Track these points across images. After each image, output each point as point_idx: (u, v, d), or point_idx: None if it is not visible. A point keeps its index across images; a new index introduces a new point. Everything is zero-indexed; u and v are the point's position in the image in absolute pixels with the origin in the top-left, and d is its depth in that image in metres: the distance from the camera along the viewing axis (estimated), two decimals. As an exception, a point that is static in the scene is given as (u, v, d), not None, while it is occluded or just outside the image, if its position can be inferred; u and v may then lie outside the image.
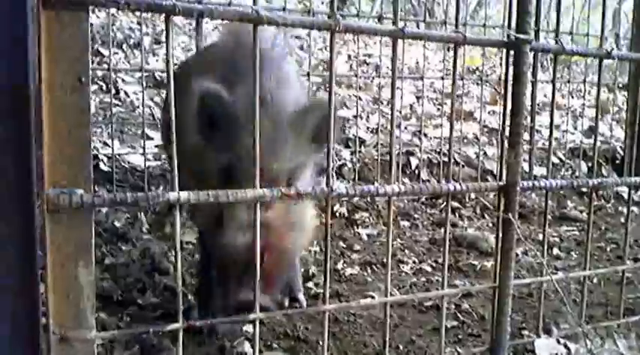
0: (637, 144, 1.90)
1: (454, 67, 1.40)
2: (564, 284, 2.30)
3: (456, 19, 1.41)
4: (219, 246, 1.61)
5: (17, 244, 0.99)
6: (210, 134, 1.66)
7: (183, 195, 1.11)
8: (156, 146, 3.55)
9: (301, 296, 2.23)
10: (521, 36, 1.40)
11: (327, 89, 1.21)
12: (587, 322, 1.81)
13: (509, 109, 1.46)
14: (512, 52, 1.46)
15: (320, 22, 1.21)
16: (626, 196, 3.83)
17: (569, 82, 4.34)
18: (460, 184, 1.42)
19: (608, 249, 3.06)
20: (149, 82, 4.29)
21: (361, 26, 1.24)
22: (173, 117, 1.09)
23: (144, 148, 3.24)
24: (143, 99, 3.36)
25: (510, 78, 1.46)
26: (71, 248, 1.00)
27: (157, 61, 4.91)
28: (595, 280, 2.51)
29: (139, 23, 5.02)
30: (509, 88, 1.45)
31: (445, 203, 3.44)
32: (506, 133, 1.45)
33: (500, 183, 1.48)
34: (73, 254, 1.01)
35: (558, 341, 1.77)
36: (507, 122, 1.46)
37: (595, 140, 1.76)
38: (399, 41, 1.30)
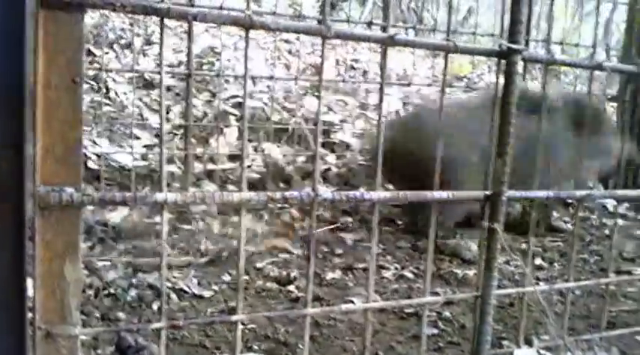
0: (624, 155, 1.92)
1: (444, 74, 1.41)
2: (546, 295, 2.31)
3: (448, 27, 1.41)
4: None
5: (7, 240, 0.99)
6: None
7: (170, 195, 1.11)
8: (144, 146, 3.58)
9: None
10: (513, 45, 1.39)
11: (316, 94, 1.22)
12: (569, 334, 1.82)
13: (499, 118, 1.46)
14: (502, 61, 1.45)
15: (312, 28, 1.22)
16: (611, 208, 3.87)
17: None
18: (446, 192, 1.42)
19: (592, 261, 3.08)
20: (139, 82, 4.31)
21: (353, 33, 1.25)
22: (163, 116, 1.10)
23: (132, 148, 3.26)
24: (133, 100, 3.40)
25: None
26: (59, 245, 1.01)
27: (147, 61, 4.92)
28: (577, 292, 2.53)
29: (130, 24, 5.04)
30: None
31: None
32: (494, 142, 1.46)
33: (487, 193, 1.49)
34: (61, 250, 1.01)
35: (539, 353, 1.77)
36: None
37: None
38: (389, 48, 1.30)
